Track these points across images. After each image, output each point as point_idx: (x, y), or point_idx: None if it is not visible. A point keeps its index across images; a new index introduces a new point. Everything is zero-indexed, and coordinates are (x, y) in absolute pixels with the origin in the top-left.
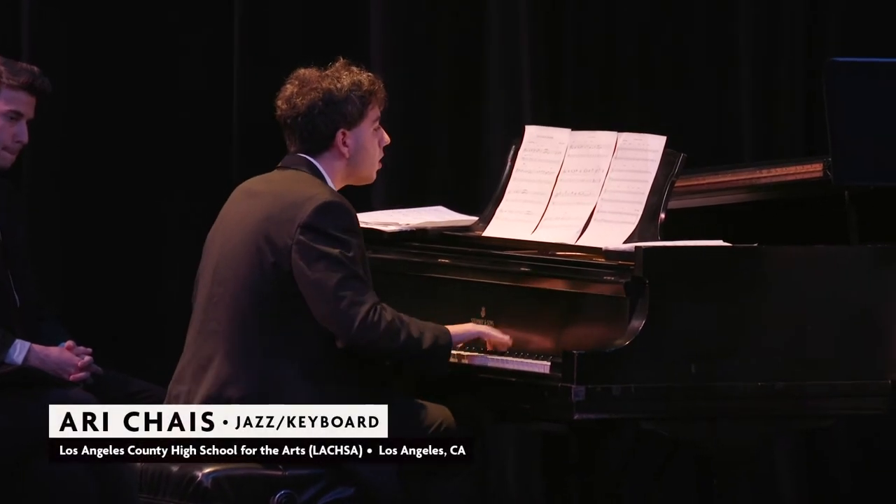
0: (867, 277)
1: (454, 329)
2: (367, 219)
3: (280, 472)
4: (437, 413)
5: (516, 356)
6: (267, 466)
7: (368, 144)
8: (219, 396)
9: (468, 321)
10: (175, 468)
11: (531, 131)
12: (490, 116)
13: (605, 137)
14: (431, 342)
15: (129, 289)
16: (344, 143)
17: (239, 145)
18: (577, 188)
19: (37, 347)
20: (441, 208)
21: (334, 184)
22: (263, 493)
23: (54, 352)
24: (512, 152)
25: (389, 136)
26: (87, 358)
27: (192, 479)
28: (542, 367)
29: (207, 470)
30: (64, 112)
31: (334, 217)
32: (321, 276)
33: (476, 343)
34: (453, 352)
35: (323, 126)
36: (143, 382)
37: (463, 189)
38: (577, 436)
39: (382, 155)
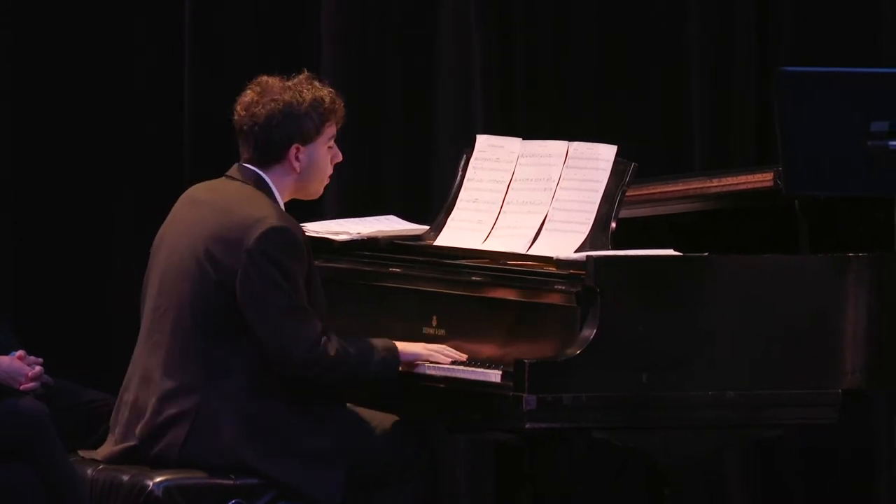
0: (817, 287)
1: (404, 349)
2: (318, 228)
3: (231, 481)
4: (386, 422)
5: (467, 365)
6: (218, 476)
7: (321, 161)
8: (161, 411)
9: (420, 330)
10: (126, 477)
11: (482, 140)
12: (441, 125)
13: (557, 147)
14: (377, 369)
15: (80, 296)
16: (297, 158)
17: (191, 150)
18: (529, 197)
19: None
20: (392, 217)
21: (281, 198)
22: (214, 503)
23: (5, 360)
24: (463, 161)
25: (340, 144)
26: (37, 368)
27: (143, 489)
28: (494, 376)
29: (158, 479)
30: (12, 120)
31: (280, 243)
32: (264, 307)
33: None
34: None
35: (278, 138)
36: (95, 392)
37: (414, 198)
38: (529, 445)
39: (332, 172)
